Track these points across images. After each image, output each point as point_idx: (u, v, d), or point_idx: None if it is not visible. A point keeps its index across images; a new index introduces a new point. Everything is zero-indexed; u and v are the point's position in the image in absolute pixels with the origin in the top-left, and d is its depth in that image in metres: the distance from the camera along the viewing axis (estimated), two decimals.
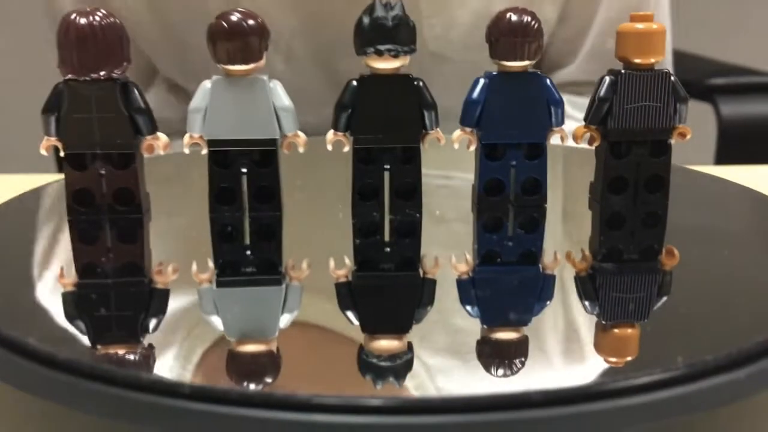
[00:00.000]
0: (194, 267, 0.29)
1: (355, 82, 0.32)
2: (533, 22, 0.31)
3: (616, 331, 0.23)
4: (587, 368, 0.21)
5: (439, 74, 0.50)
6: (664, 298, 0.26)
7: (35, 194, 0.35)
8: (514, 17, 0.31)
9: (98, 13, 0.30)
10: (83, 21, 0.30)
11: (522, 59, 0.31)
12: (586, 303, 0.26)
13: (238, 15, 0.30)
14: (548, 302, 0.26)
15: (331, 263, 0.29)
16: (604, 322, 0.24)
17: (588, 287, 0.27)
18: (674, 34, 0.67)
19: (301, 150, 0.32)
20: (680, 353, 0.20)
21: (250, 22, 0.30)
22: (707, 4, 1.29)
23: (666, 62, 0.65)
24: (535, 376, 0.20)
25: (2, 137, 1.35)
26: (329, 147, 0.32)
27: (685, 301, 0.26)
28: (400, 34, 0.30)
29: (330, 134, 0.32)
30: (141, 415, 0.18)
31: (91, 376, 0.19)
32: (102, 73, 0.30)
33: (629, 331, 0.23)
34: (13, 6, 1.36)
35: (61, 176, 0.37)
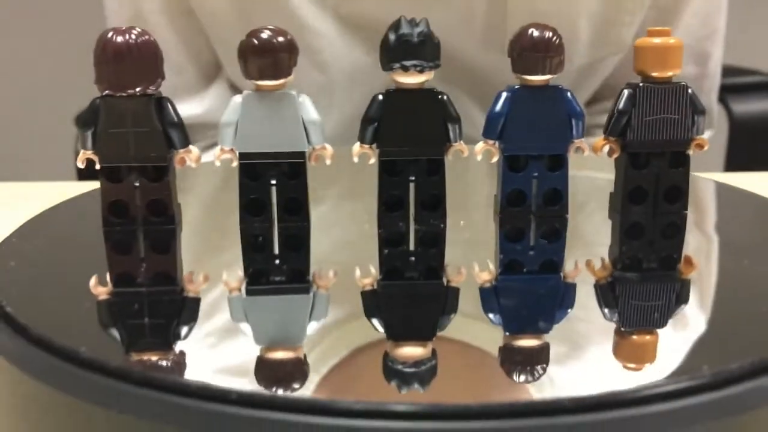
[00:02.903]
0: (224, 276, 0.29)
1: (381, 96, 0.33)
2: (555, 38, 0.32)
3: (640, 338, 0.24)
4: (614, 376, 0.22)
5: None
6: (686, 307, 0.27)
7: (70, 205, 0.36)
8: (536, 33, 0.32)
9: (134, 31, 0.31)
10: (120, 39, 0.31)
11: (544, 73, 0.32)
12: (608, 311, 0.26)
13: (269, 32, 0.31)
14: (570, 310, 0.27)
15: (357, 272, 0.30)
16: (624, 329, 0.25)
17: (609, 296, 0.28)
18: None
19: (327, 162, 0.33)
20: (703, 361, 0.21)
21: (280, 38, 0.31)
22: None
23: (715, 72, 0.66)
24: (563, 383, 0.21)
25: (23, 145, 1.36)
26: (355, 159, 0.33)
27: (706, 310, 0.26)
28: (425, 49, 0.31)
29: (356, 147, 0.33)
30: (189, 419, 0.19)
31: (141, 382, 0.20)
32: (138, 89, 0.31)
33: (654, 338, 0.24)
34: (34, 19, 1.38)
35: (87, 184, 0.38)
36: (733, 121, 0.82)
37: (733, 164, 0.80)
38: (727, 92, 0.85)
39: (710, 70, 0.66)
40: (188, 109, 0.61)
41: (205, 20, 0.60)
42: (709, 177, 0.40)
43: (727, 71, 0.90)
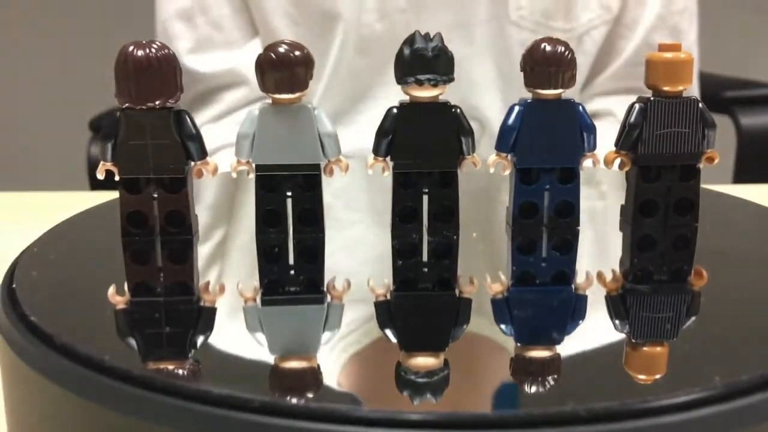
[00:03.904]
0: (240, 286, 0.30)
1: (395, 110, 0.33)
2: (567, 52, 0.32)
3: (652, 349, 0.24)
4: (627, 386, 0.22)
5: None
6: (696, 319, 0.27)
7: (89, 215, 0.37)
8: (548, 47, 0.32)
9: (154, 45, 0.32)
10: (140, 53, 0.31)
11: (556, 87, 0.33)
12: (619, 322, 0.27)
13: (286, 46, 0.32)
14: (581, 322, 0.27)
15: (371, 283, 0.30)
16: (636, 340, 0.25)
17: (621, 307, 0.28)
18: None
19: (342, 174, 0.34)
20: (715, 373, 0.21)
21: (297, 53, 0.32)
22: (718, 22, 1.30)
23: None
24: (575, 393, 0.22)
25: (36, 153, 1.37)
26: (370, 171, 0.34)
27: (717, 322, 0.27)
28: (439, 64, 0.32)
29: (370, 159, 0.34)
30: (211, 427, 0.20)
31: (164, 390, 0.21)
32: (157, 102, 0.31)
33: (665, 350, 0.24)
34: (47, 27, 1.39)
35: (101, 194, 0.38)
36: (741, 133, 0.83)
37: (741, 176, 0.80)
38: (735, 105, 0.86)
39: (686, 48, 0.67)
40: (220, 62, 0.63)
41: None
42: (718, 189, 0.41)
43: (735, 84, 0.91)
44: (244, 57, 0.66)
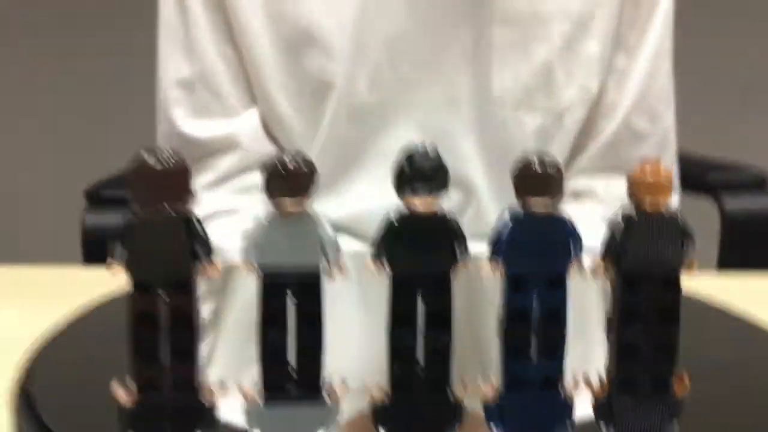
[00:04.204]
0: (242, 386, 0.31)
1: (392, 218, 0.35)
2: (555, 168, 0.34)
3: None
4: None
5: None
6: (679, 427, 0.29)
7: (98, 312, 0.38)
8: (537, 161, 0.34)
9: (167, 154, 0.33)
10: (154, 161, 0.33)
11: (544, 196, 0.35)
12: (605, 427, 0.28)
13: (291, 157, 0.34)
14: (570, 424, 0.29)
15: (367, 384, 0.31)
16: None
17: (606, 414, 0.30)
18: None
19: (341, 277, 0.35)
20: None
21: (302, 163, 0.34)
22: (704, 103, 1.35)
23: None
24: None
25: (27, 223, 1.39)
26: (368, 276, 0.35)
27: (698, 429, 0.28)
28: (437, 177, 0.34)
29: (369, 262, 0.35)
30: None
31: None
32: (169, 208, 0.33)
33: None
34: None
35: (94, 272, 0.40)
36: (725, 217, 0.85)
37: (725, 260, 0.82)
38: (719, 188, 0.88)
39: (663, 130, 0.71)
40: (218, 128, 0.67)
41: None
42: (702, 279, 0.42)
43: (719, 166, 0.93)
44: (242, 124, 0.69)
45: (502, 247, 0.35)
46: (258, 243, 0.34)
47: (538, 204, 0.35)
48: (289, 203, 0.34)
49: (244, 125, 0.69)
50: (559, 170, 0.35)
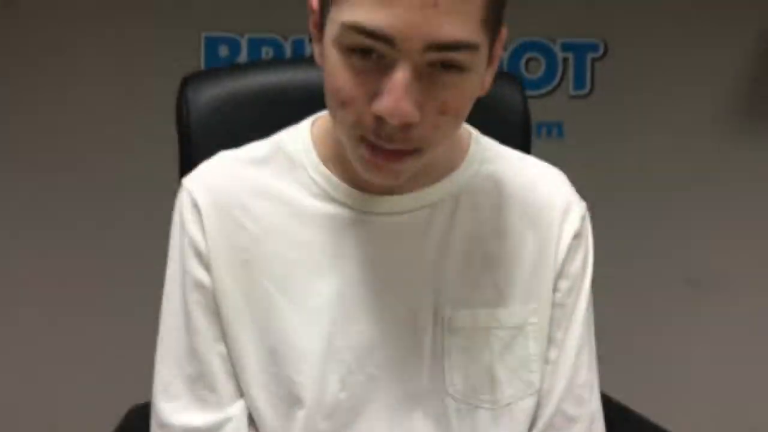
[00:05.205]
0: None
1: None
2: None
3: None
4: None
5: None
6: None
7: None
8: None
9: None
10: None
11: None
12: None
13: None
14: None
15: None
16: None
17: None
18: None
19: None
20: None
21: None
22: None
23: None
24: None
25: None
26: None
27: None
28: None
29: None
30: None
31: None
32: None
33: None
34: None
35: None
36: None
37: None
38: None
39: (590, 413, 0.79)
40: (212, 417, 0.75)
41: None
42: None
43: None
44: (232, 412, 0.76)
45: None
46: None
47: None
48: None
49: (235, 413, 0.76)
50: None
